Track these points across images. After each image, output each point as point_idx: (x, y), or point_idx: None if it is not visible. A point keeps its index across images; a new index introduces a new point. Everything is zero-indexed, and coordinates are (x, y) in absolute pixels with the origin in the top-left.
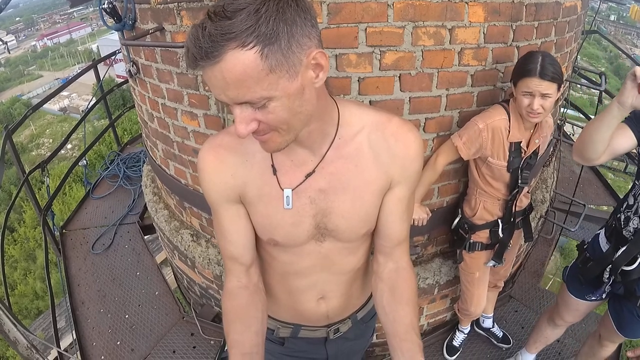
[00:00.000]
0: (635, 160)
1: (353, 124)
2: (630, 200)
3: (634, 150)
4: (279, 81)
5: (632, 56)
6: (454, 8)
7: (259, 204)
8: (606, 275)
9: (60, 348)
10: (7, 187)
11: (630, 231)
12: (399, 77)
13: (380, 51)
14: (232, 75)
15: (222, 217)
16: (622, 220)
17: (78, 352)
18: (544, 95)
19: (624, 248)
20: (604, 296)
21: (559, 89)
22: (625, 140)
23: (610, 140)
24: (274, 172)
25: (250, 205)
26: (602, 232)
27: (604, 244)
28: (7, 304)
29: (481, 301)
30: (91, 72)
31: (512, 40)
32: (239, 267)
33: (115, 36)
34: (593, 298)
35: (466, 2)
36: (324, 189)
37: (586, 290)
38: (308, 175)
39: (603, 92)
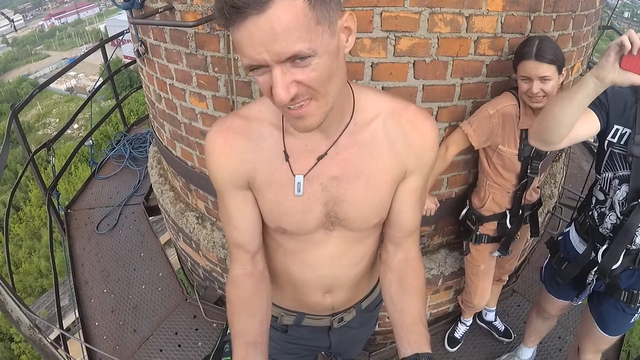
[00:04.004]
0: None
1: (368, 109)
2: (600, 196)
3: (590, 139)
4: (323, 35)
5: None
6: None
7: (268, 190)
8: (591, 277)
9: (62, 328)
10: (13, 166)
11: (607, 228)
12: (414, 63)
13: (395, 36)
14: (282, 24)
15: (228, 202)
16: (595, 217)
17: (80, 331)
18: (542, 79)
19: (604, 247)
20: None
21: (560, 72)
22: (588, 126)
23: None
24: (287, 158)
25: (259, 192)
26: (573, 229)
27: (577, 243)
28: (10, 284)
29: (485, 294)
30: (99, 53)
31: (530, 32)
32: (245, 255)
33: (123, 16)
34: (579, 302)
35: None
36: (337, 176)
37: (567, 292)
38: (320, 158)
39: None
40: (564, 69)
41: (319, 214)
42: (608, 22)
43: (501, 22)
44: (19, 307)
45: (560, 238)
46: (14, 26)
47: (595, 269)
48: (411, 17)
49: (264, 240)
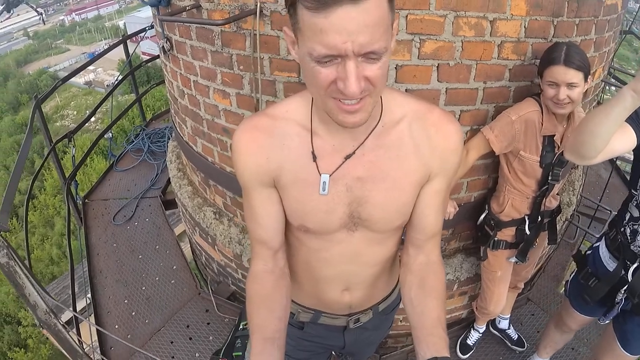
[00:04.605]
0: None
1: (395, 111)
2: (635, 212)
3: (628, 154)
4: (392, 35)
5: None
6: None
7: (293, 189)
8: (619, 297)
9: (76, 311)
10: (30, 155)
11: (639, 246)
12: (437, 67)
13: (420, 39)
14: (372, 18)
15: (253, 199)
16: (628, 234)
17: (92, 316)
18: (569, 85)
19: (635, 265)
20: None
21: (585, 79)
22: (625, 141)
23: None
24: (314, 158)
25: (284, 190)
26: (603, 245)
27: (607, 260)
28: (29, 268)
29: (501, 301)
30: (117, 48)
31: (553, 36)
32: (267, 251)
33: (142, 14)
34: (606, 321)
35: None
36: (362, 177)
37: (593, 309)
38: (347, 157)
39: None
40: (589, 76)
41: (343, 214)
42: (628, 28)
43: (525, 27)
44: (37, 291)
45: (589, 252)
46: (43, 19)
47: (625, 287)
48: (436, 20)
49: (286, 237)
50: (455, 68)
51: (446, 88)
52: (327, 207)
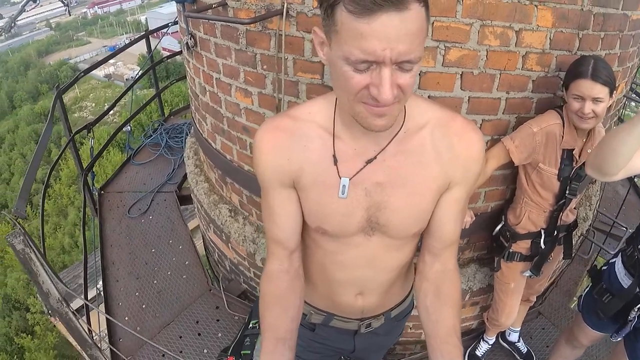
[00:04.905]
0: None
1: (417, 118)
2: None
3: None
4: (424, 45)
5: None
6: (523, 10)
7: (312, 191)
8: (633, 314)
9: (87, 299)
10: (47, 144)
11: None
12: (461, 75)
13: (445, 46)
14: (412, 27)
15: (272, 199)
16: None
17: (102, 306)
18: (595, 100)
19: None
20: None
21: (611, 95)
22: None
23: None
24: (335, 161)
25: (303, 191)
26: (619, 261)
27: (622, 276)
28: (44, 255)
29: (512, 313)
30: (137, 43)
31: (577, 49)
32: (283, 252)
33: (164, 9)
34: (618, 338)
35: (535, 5)
36: (381, 182)
37: (606, 325)
38: (369, 162)
39: None
40: (614, 92)
41: (361, 218)
42: None
43: (550, 38)
44: (50, 279)
45: (604, 268)
46: (69, 10)
47: (639, 305)
48: (462, 28)
49: (303, 239)
50: (479, 77)
51: (469, 97)
52: (345, 210)
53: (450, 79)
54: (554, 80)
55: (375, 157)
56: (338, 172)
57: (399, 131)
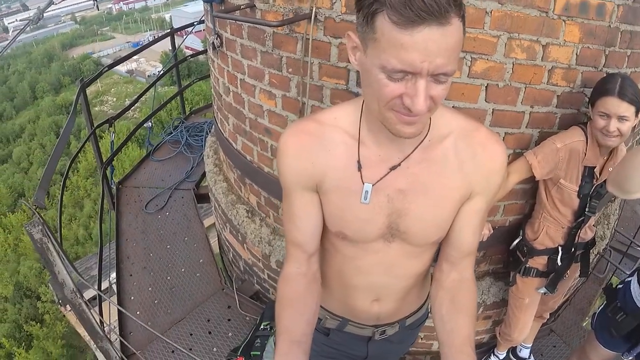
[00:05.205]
0: None
1: (442, 127)
2: None
3: None
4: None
5: None
6: (551, 24)
7: (335, 195)
8: None
9: (100, 290)
10: (69, 136)
11: None
12: (486, 87)
13: (471, 58)
14: (451, 42)
15: (294, 202)
16: None
17: (115, 298)
18: (621, 118)
19: None
20: None
21: (637, 114)
22: None
23: None
24: (359, 167)
25: (325, 195)
26: (635, 281)
27: (637, 295)
28: (61, 246)
29: (525, 328)
30: (160, 41)
31: (603, 66)
32: (302, 255)
33: (188, 8)
34: (630, 357)
35: (564, 20)
36: (404, 190)
37: (618, 344)
38: (392, 168)
39: None
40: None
41: (382, 224)
42: None
43: (576, 54)
44: (66, 270)
45: (619, 286)
46: (97, 4)
47: None
48: (489, 40)
49: (321, 242)
50: (504, 90)
51: (493, 109)
52: (366, 216)
53: (475, 91)
54: (578, 96)
55: (399, 164)
56: (361, 177)
57: (423, 139)
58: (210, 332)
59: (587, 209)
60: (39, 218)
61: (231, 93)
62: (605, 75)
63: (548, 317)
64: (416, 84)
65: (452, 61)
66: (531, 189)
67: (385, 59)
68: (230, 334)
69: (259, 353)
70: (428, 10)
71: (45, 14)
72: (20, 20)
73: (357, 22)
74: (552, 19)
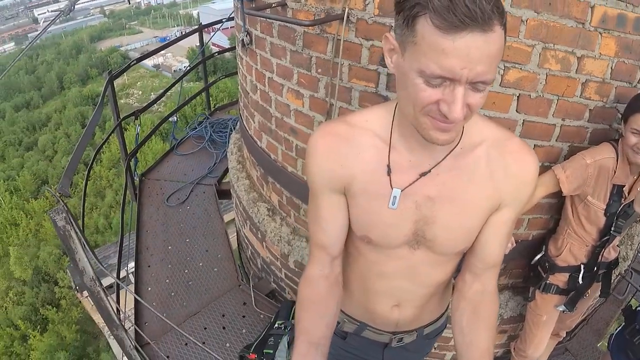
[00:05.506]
0: None
1: (474, 135)
2: None
3: None
4: None
5: None
6: (587, 36)
7: (362, 199)
8: None
9: (119, 279)
10: (95, 126)
11: None
12: (518, 97)
13: (504, 66)
14: (493, 49)
15: (321, 204)
16: None
17: (132, 288)
18: None
19: None
20: None
21: None
22: None
23: None
24: (389, 172)
25: (353, 199)
26: None
27: None
28: (83, 233)
29: (541, 345)
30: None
31: (638, 82)
32: (325, 257)
33: (216, 5)
34: None
35: (600, 33)
36: (432, 197)
37: None
38: (422, 175)
39: None
40: None
41: (408, 230)
42: None
43: (611, 68)
44: (87, 258)
45: (639, 309)
46: None
47: None
48: (524, 49)
49: (345, 246)
50: (536, 101)
51: (523, 120)
52: (393, 221)
53: (506, 100)
54: (611, 112)
55: (429, 171)
56: (390, 182)
57: (455, 146)
58: (224, 328)
59: (612, 228)
60: (63, 206)
61: (258, 91)
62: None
63: (564, 335)
64: (454, 91)
65: (492, 69)
66: (557, 203)
67: (424, 64)
68: (244, 331)
69: (271, 351)
70: (472, 16)
71: (75, 6)
72: (50, 12)
73: (395, 24)
74: (588, 31)
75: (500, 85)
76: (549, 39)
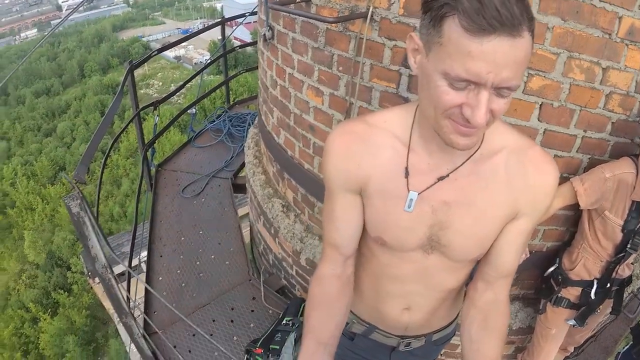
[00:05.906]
0: None
1: (494, 141)
2: None
3: None
4: None
5: None
6: (613, 47)
7: (378, 200)
8: None
9: (130, 267)
10: (114, 115)
11: None
12: (541, 105)
13: (528, 73)
14: (520, 55)
15: (336, 203)
16: None
17: (143, 277)
18: None
19: None
20: None
21: None
22: None
23: None
24: (406, 174)
25: (369, 199)
26: None
27: None
28: (97, 221)
29: (548, 359)
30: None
31: None
32: (338, 257)
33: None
34: None
35: (627, 44)
36: (449, 202)
37: None
38: (440, 179)
39: None
40: None
41: (422, 234)
42: None
43: (636, 81)
44: (100, 245)
45: None
46: None
47: None
48: (548, 57)
49: (359, 246)
50: (558, 110)
51: (544, 129)
52: (408, 224)
53: (528, 108)
54: (633, 126)
55: (447, 175)
56: (407, 185)
57: (475, 152)
58: (232, 321)
59: (629, 245)
60: (78, 192)
61: (278, 86)
62: None
63: (572, 350)
64: (478, 95)
65: (518, 76)
66: (574, 216)
67: (449, 65)
68: (252, 325)
69: (278, 347)
70: (501, 19)
71: None
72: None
73: (421, 24)
74: (614, 42)
75: (523, 92)
76: (575, 48)
